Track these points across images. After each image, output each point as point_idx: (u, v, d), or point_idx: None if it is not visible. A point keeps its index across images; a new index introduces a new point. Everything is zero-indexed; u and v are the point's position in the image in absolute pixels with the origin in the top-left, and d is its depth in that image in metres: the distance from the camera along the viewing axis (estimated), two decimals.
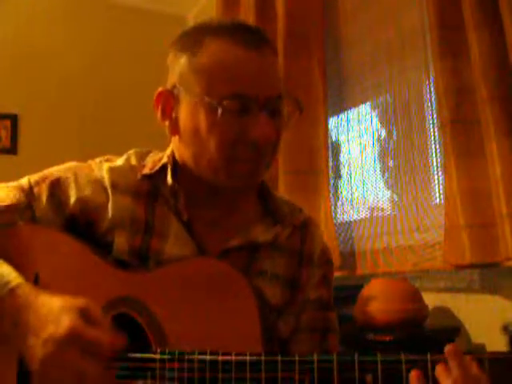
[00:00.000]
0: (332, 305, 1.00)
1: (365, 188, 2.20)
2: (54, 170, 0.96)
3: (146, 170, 0.94)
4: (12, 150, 2.81)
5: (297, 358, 0.73)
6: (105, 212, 0.90)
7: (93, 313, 0.74)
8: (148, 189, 0.93)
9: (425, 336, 1.63)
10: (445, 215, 1.64)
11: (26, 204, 0.91)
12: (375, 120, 2.19)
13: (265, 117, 0.84)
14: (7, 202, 0.90)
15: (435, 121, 1.87)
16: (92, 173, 0.94)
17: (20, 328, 0.75)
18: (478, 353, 0.68)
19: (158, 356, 0.78)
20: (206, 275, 0.83)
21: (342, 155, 2.33)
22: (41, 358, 0.71)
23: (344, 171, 2.31)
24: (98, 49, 3.01)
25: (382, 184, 2.14)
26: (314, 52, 2.26)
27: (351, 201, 2.26)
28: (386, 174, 2.13)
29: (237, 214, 0.95)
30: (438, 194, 1.87)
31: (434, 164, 1.88)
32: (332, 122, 2.33)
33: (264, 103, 0.84)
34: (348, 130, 2.32)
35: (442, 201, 1.75)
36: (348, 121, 2.32)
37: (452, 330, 1.67)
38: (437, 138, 1.86)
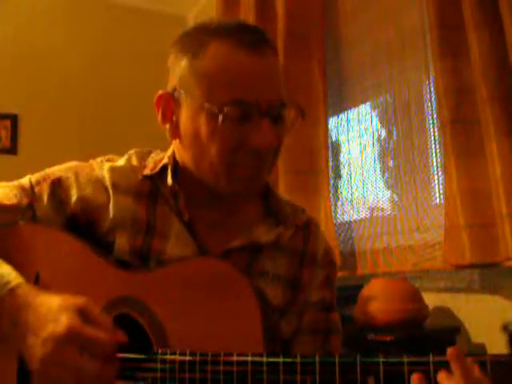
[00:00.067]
0: (335, 306, 0.99)
1: (365, 188, 2.20)
2: (55, 170, 0.96)
3: (147, 171, 0.93)
4: (12, 149, 2.81)
5: (299, 360, 0.72)
6: (106, 212, 0.90)
7: (92, 311, 0.74)
8: (149, 189, 0.93)
9: (425, 336, 1.63)
10: (445, 215, 1.64)
11: (27, 203, 0.91)
12: (375, 120, 2.19)
13: (266, 123, 0.83)
14: (8, 202, 0.90)
15: (435, 121, 1.87)
16: (93, 172, 0.94)
17: (19, 328, 0.75)
18: (478, 353, 0.68)
19: (159, 356, 0.77)
20: (206, 275, 0.82)
21: (341, 155, 2.33)
22: (40, 357, 0.71)
23: (344, 171, 2.31)
24: (98, 49, 3.01)
25: (382, 184, 2.14)
26: (314, 52, 2.27)
27: (351, 201, 2.27)
28: (386, 174, 2.13)
29: (239, 214, 0.95)
30: (438, 194, 1.87)
31: (434, 164, 1.89)
32: (332, 121, 2.34)
33: (266, 110, 0.83)
34: (348, 130, 2.32)
35: (442, 201, 1.75)
36: (348, 121, 2.32)
37: (452, 330, 1.67)
38: (437, 138, 1.86)
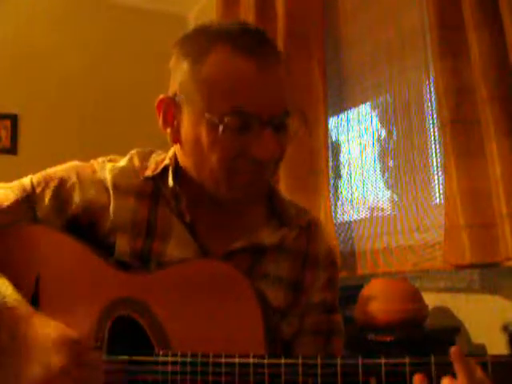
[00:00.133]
0: (337, 307, 0.98)
1: (365, 188, 2.20)
2: (57, 170, 0.95)
3: (149, 172, 0.93)
4: (12, 150, 2.81)
5: (300, 361, 0.72)
6: (107, 213, 0.90)
7: (85, 350, 0.73)
8: (150, 190, 0.92)
9: (425, 336, 1.63)
10: (445, 215, 1.64)
11: (28, 205, 0.91)
12: (375, 120, 2.19)
13: (268, 134, 0.81)
14: (8, 203, 0.90)
15: (435, 121, 1.87)
16: (95, 173, 0.94)
17: (18, 341, 0.73)
18: (478, 353, 0.68)
19: (160, 358, 0.77)
20: (207, 277, 0.82)
21: (341, 155, 2.33)
22: None
23: (344, 171, 2.31)
24: (98, 49, 3.01)
25: (382, 184, 2.14)
26: (314, 52, 2.27)
27: (351, 201, 2.27)
28: (386, 174, 2.13)
29: (241, 216, 0.94)
30: (438, 194, 1.87)
31: (434, 164, 1.89)
32: (332, 122, 2.34)
33: (268, 119, 0.81)
34: (348, 130, 2.32)
35: (442, 201, 1.75)
36: (348, 121, 2.32)
37: (452, 330, 1.67)
38: (437, 138, 1.86)
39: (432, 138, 1.89)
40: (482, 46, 1.51)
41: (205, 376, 0.75)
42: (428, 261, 1.79)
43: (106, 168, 0.94)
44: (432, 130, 1.89)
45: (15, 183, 0.94)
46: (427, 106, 1.92)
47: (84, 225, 0.91)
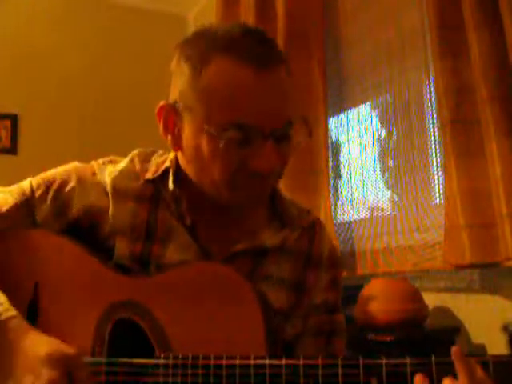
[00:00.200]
0: (339, 307, 0.98)
1: (365, 188, 2.20)
2: (57, 173, 0.94)
3: (149, 175, 0.92)
4: (12, 150, 2.81)
5: (301, 362, 0.72)
6: (106, 217, 0.89)
7: (77, 367, 0.72)
8: (151, 193, 0.91)
9: (425, 336, 1.63)
10: (445, 215, 1.64)
11: (27, 209, 0.90)
12: (375, 120, 2.19)
13: (269, 147, 0.79)
14: (7, 207, 0.89)
15: (435, 121, 1.87)
16: (94, 176, 0.93)
17: (5, 358, 0.73)
18: (478, 353, 0.68)
19: (161, 361, 0.77)
20: (208, 279, 0.82)
21: (341, 155, 2.33)
22: None
23: (344, 171, 2.31)
24: (98, 49, 3.01)
25: (382, 184, 2.14)
26: (314, 52, 2.27)
27: (351, 201, 2.27)
28: (386, 174, 2.13)
29: (243, 217, 0.93)
30: (438, 194, 1.87)
31: (434, 164, 1.89)
32: (332, 122, 2.34)
33: (270, 132, 0.79)
34: (348, 130, 2.32)
35: (442, 201, 1.75)
36: (348, 121, 2.32)
37: (452, 330, 1.67)
38: (437, 138, 1.86)
39: (432, 138, 1.90)
40: (482, 46, 1.51)
41: (206, 378, 0.74)
42: (428, 261, 1.79)
43: (106, 171, 0.93)
44: (432, 130, 1.89)
45: (14, 187, 0.93)
46: (427, 105, 1.92)
47: (83, 228, 0.90)
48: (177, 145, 0.86)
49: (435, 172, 1.88)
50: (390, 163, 2.11)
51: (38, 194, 0.91)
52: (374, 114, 2.20)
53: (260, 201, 0.91)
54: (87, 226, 0.90)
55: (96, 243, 0.89)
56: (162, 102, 0.86)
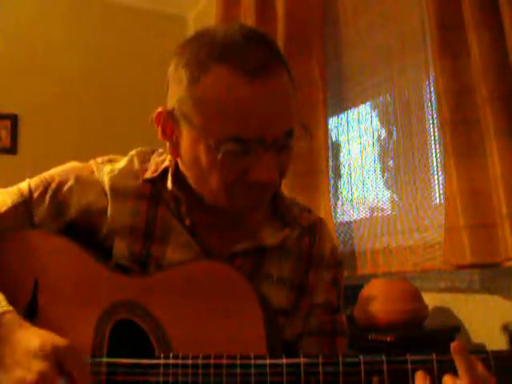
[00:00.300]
0: (341, 307, 0.98)
1: (365, 188, 2.20)
2: (55, 173, 0.94)
3: (148, 174, 0.91)
4: (12, 149, 2.81)
5: (302, 361, 0.72)
6: (105, 216, 0.89)
7: (70, 360, 0.71)
8: (150, 192, 0.91)
9: (425, 336, 1.64)
10: (445, 215, 1.63)
11: (26, 209, 0.90)
12: (375, 120, 2.19)
13: (269, 157, 0.78)
14: (6, 208, 0.89)
15: (435, 121, 1.87)
16: (93, 175, 0.92)
17: (1, 347, 0.72)
18: (478, 351, 0.68)
19: (161, 361, 0.77)
20: (208, 278, 0.82)
21: (341, 155, 2.33)
22: None
23: (344, 171, 2.31)
24: (98, 49, 3.01)
25: (382, 184, 2.14)
26: (313, 52, 2.27)
27: (351, 201, 2.26)
28: (386, 174, 2.13)
29: (243, 217, 0.93)
30: (438, 194, 1.87)
31: (434, 164, 1.89)
32: (332, 122, 2.33)
33: (270, 143, 0.77)
34: (348, 130, 2.32)
35: (442, 201, 1.75)
36: (348, 121, 2.32)
37: (452, 330, 1.67)
38: (437, 138, 1.86)
39: (432, 138, 1.89)
40: (482, 46, 1.51)
41: (206, 378, 0.74)
42: (428, 261, 1.79)
43: (104, 171, 0.92)
44: (432, 130, 1.89)
45: (13, 188, 0.93)
46: (427, 105, 1.92)
47: (82, 228, 0.90)
48: (175, 151, 0.85)
49: (435, 172, 1.88)
50: (390, 163, 2.11)
51: (36, 194, 0.91)
52: (373, 114, 2.20)
53: (259, 207, 0.90)
54: (86, 225, 0.90)
55: (95, 243, 0.89)
56: (159, 109, 0.85)
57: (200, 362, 0.75)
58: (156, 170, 0.92)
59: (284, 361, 0.73)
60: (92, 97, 2.94)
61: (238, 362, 0.74)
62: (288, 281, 0.92)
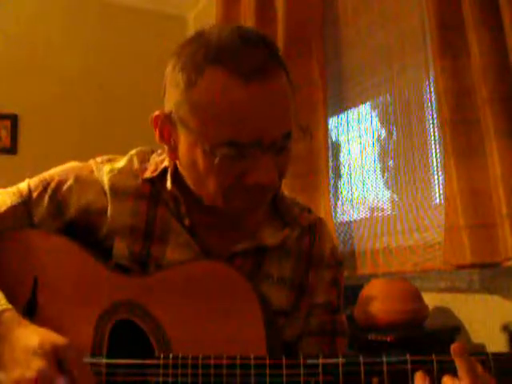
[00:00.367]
0: (340, 307, 0.98)
1: (365, 188, 2.20)
2: (55, 173, 0.94)
3: (148, 174, 0.91)
4: (12, 150, 2.81)
5: (301, 361, 0.72)
6: (104, 216, 0.89)
7: (70, 358, 0.71)
8: (149, 192, 0.91)
9: (425, 336, 1.63)
10: (445, 215, 1.64)
11: (25, 209, 0.90)
12: (375, 120, 2.19)
13: (268, 159, 0.77)
14: (5, 208, 0.89)
15: (435, 121, 1.87)
16: (92, 175, 0.92)
17: (1, 345, 0.73)
18: (479, 353, 0.68)
19: (161, 361, 0.77)
20: (208, 278, 0.82)
21: (342, 155, 2.33)
22: None
23: (344, 171, 2.31)
24: (98, 49, 3.01)
25: (381, 184, 2.14)
26: (313, 52, 2.27)
27: (351, 201, 2.27)
28: (386, 174, 2.13)
29: (243, 217, 0.92)
30: (438, 194, 1.88)
31: (434, 164, 1.89)
32: (332, 122, 2.33)
33: (268, 145, 0.77)
34: (348, 130, 2.32)
35: (442, 201, 1.75)
36: (348, 121, 2.32)
37: (452, 330, 1.67)
38: (437, 138, 1.86)
39: (432, 138, 1.90)
40: (482, 46, 1.51)
41: (206, 378, 0.74)
42: (428, 261, 1.79)
43: (104, 170, 0.92)
44: (432, 130, 1.89)
45: (12, 189, 0.93)
46: (427, 105, 1.92)
47: (82, 228, 0.90)
48: (173, 154, 0.85)
49: (435, 172, 1.88)
50: (390, 163, 2.11)
51: (35, 194, 0.91)
52: (373, 114, 2.20)
53: (259, 208, 0.90)
54: (85, 225, 0.90)
55: (94, 243, 0.89)
56: (156, 112, 0.84)
57: (200, 362, 0.75)
58: (155, 170, 0.91)
59: (284, 361, 0.73)
60: (92, 97, 2.95)
61: (238, 362, 0.74)
62: (288, 281, 0.92)
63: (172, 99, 0.81)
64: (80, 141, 2.80)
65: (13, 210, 0.90)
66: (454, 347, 0.67)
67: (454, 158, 1.58)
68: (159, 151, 0.96)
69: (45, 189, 0.91)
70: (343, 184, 2.31)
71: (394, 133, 2.07)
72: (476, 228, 1.53)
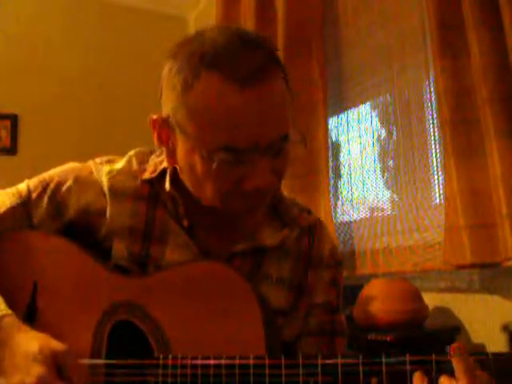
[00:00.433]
0: (340, 307, 0.98)
1: (365, 188, 2.20)
2: (54, 174, 0.94)
3: (147, 175, 0.91)
4: (12, 150, 2.81)
5: (301, 362, 0.72)
6: (104, 217, 0.89)
7: (69, 364, 0.72)
8: (148, 193, 0.91)
9: (425, 336, 1.63)
10: (445, 215, 1.63)
11: (24, 210, 0.90)
12: (375, 120, 2.19)
13: (265, 163, 0.77)
14: (4, 209, 0.89)
15: (435, 121, 1.87)
16: (91, 176, 0.92)
17: (1, 350, 0.73)
18: (478, 353, 0.68)
19: (160, 362, 0.77)
20: (207, 279, 0.82)
21: (342, 155, 2.33)
22: None
23: (344, 171, 2.31)
24: (98, 49, 3.01)
25: (382, 184, 2.14)
26: (313, 52, 2.26)
27: (351, 201, 2.26)
28: (386, 174, 2.13)
29: (242, 218, 0.92)
30: (438, 194, 1.87)
31: (434, 164, 1.89)
32: (332, 122, 2.33)
33: (265, 149, 0.76)
34: (348, 130, 2.32)
35: (442, 201, 1.75)
36: (348, 121, 2.32)
37: (452, 330, 1.67)
38: (437, 138, 1.86)
39: (432, 138, 1.89)
40: (482, 46, 1.51)
41: (206, 378, 0.74)
42: (428, 261, 1.79)
43: (103, 171, 0.92)
44: (432, 130, 1.89)
45: (11, 189, 0.93)
46: (427, 105, 1.92)
47: (81, 228, 0.90)
48: (172, 158, 0.85)
49: (435, 172, 1.88)
50: (390, 163, 2.10)
51: (34, 195, 0.91)
52: (373, 114, 2.20)
53: (258, 210, 0.89)
54: (84, 226, 0.90)
55: (93, 243, 0.89)
56: (154, 116, 0.84)
57: (199, 362, 0.75)
58: (154, 171, 0.92)
59: (283, 361, 0.73)
60: (92, 97, 2.94)
61: (237, 362, 0.74)
62: (287, 281, 0.92)
63: (169, 102, 0.80)
64: (80, 141, 2.80)
65: (12, 211, 0.90)
66: (452, 347, 0.67)
67: (454, 158, 1.58)
68: (158, 152, 0.96)
69: (44, 190, 0.91)
70: (343, 184, 2.31)
71: (394, 133, 2.07)
72: (476, 228, 1.53)
